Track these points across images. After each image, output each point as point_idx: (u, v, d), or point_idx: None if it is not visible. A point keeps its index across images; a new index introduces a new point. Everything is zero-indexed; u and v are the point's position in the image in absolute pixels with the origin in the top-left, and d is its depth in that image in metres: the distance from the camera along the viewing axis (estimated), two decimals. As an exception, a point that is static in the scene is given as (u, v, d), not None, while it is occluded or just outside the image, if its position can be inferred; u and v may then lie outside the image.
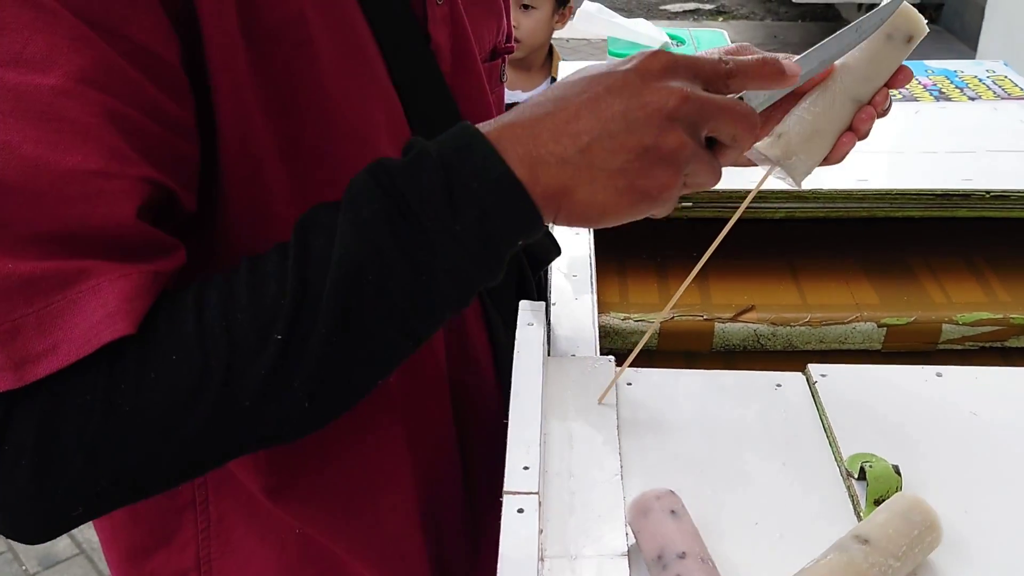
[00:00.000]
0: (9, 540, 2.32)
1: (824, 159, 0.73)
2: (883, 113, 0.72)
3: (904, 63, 0.73)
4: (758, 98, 0.67)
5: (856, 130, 0.71)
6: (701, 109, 0.59)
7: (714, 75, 0.61)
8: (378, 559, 0.82)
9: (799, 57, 0.69)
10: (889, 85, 0.72)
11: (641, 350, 1.12)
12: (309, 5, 0.63)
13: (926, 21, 0.73)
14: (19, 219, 0.52)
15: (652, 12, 6.38)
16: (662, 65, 0.59)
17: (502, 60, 0.89)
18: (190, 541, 0.79)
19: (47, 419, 0.53)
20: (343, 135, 0.67)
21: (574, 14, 2.18)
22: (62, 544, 2.32)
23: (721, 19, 6.30)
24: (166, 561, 0.80)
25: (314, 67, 0.64)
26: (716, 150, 0.63)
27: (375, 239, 0.55)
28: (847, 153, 0.73)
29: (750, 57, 0.64)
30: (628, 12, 6.29)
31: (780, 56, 0.66)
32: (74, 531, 2.35)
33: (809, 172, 0.73)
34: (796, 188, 0.74)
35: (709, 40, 1.41)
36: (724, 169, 0.92)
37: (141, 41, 0.55)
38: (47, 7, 0.52)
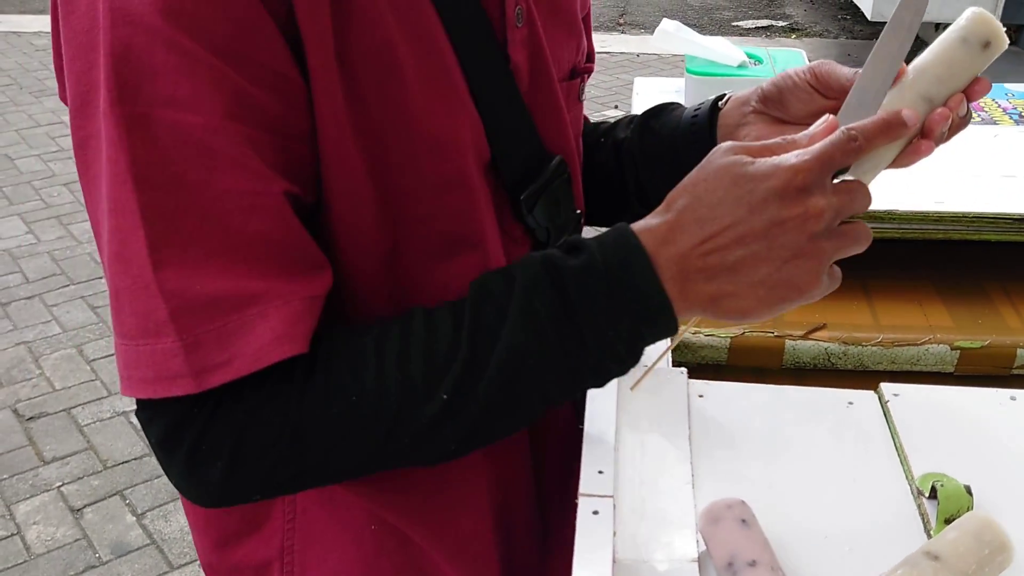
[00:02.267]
0: (84, 528, 2.40)
1: (896, 161, 0.72)
2: (962, 122, 0.72)
3: (981, 76, 0.71)
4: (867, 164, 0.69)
5: (929, 131, 0.70)
6: (832, 228, 0.65)
7: (848, 159, 0.65)
8: (449, 556, 0.84)
9: (859, 78, 0.70)
10: (966, 94, 0.71)
11: (711, 365, 1.14)
12: (398, 31, 0.67)
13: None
14: (197, 237, 0.61)
15: (725, 28, 6.36)
16: (801, 182, 0.63)
17: (582, 79, 0.91)
18: (277, 530, 0.82)
19: (244, 434, 0.63)
20: (428, 151, 0.71)
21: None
22: (134, 534, 2.39)
23: (794, 36, 6.25)
24: (253, 550, 0.84)
25: (402, 89, 0.68)
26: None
27: (541, 332, 0.64)
28: (920, 157, 0.72)
29: (868, 121, 0.67)
30: (700, 28, 6.28)
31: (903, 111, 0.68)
32: (146, 522, 2.42)
33: (878, 171, 0.71)
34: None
35: (786, 60, 1.41)
36: None
37: (269, 64, 0.62)
38: (189, 51, 0.59)
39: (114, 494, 2.52)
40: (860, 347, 1.10)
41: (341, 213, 0.69)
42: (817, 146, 0.65)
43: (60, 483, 2.55)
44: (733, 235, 0.63)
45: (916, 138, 0.70)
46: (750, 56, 1.35)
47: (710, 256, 0.64)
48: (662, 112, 0.93)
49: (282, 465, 0.65)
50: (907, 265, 1.23)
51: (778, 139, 0.68)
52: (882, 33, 0.70)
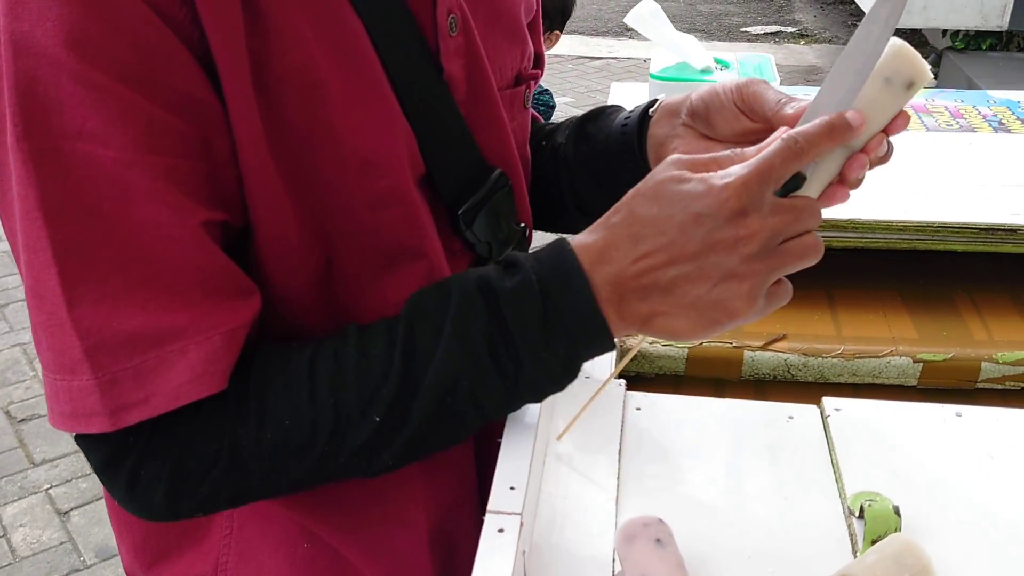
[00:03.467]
0: (70, 531, 2.40)
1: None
2: (882, 160, 0.67)
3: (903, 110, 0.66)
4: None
5: (845, 179, 0.65)
6: (769, 249, 0.62)
7: (790, 167, 0.62)
8: (383, 574, 0.82)
9: (815, 97, 0.65)
10: (887, 132, 0.66)
11: (669, 376, 1.12)
12: (320, 49, 0.65)
13: (924, 65, 0.68)
14: (113, 272, 0.59)
15: (733, 34, 6.32)
16: (735, 203, 0.60)
17: (527, 86, 0.88)
18: (215, 545, 0.81)
19: (180, 463, 0.64)
20: (358, 169, 0.69)
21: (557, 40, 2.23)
22: (119, 538, 2.39)
23: (803, 42, 6.21)
24: (190, 564, 0.82)
25: (327, 108, 0.66)
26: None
27: (475, 355, 0.64)
28: (837, 203, 0.67)
29: (809, 125, 0.63)
30: (709, 34, 6.24)
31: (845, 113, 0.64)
32: (131, 526, 2.42)
33: (823, 185, 0.68)
34: None
35: (754, 66, 1.39)
36: None
37: (182, 89, 0.60)
38: (96, 82, 0.57)
39: (101, 498, 2.51)
40: (820, 359, 1.07)
41: (266, 234, 0.67)
42: (754, 160, 0.62)
43: (48, 486, 2.56)
44: (666, 255, 0.62)
45: (833, 184, 0.66)
46: (718, 62, 1.33)
47: (644, 276, 0.63)
48: (599, 116, 0.91)
49: (222, 488, 0.66)
50: (874, 274, 1.20)
51: (727, 152, 0.65)
52: (859, 27, 0.65)
